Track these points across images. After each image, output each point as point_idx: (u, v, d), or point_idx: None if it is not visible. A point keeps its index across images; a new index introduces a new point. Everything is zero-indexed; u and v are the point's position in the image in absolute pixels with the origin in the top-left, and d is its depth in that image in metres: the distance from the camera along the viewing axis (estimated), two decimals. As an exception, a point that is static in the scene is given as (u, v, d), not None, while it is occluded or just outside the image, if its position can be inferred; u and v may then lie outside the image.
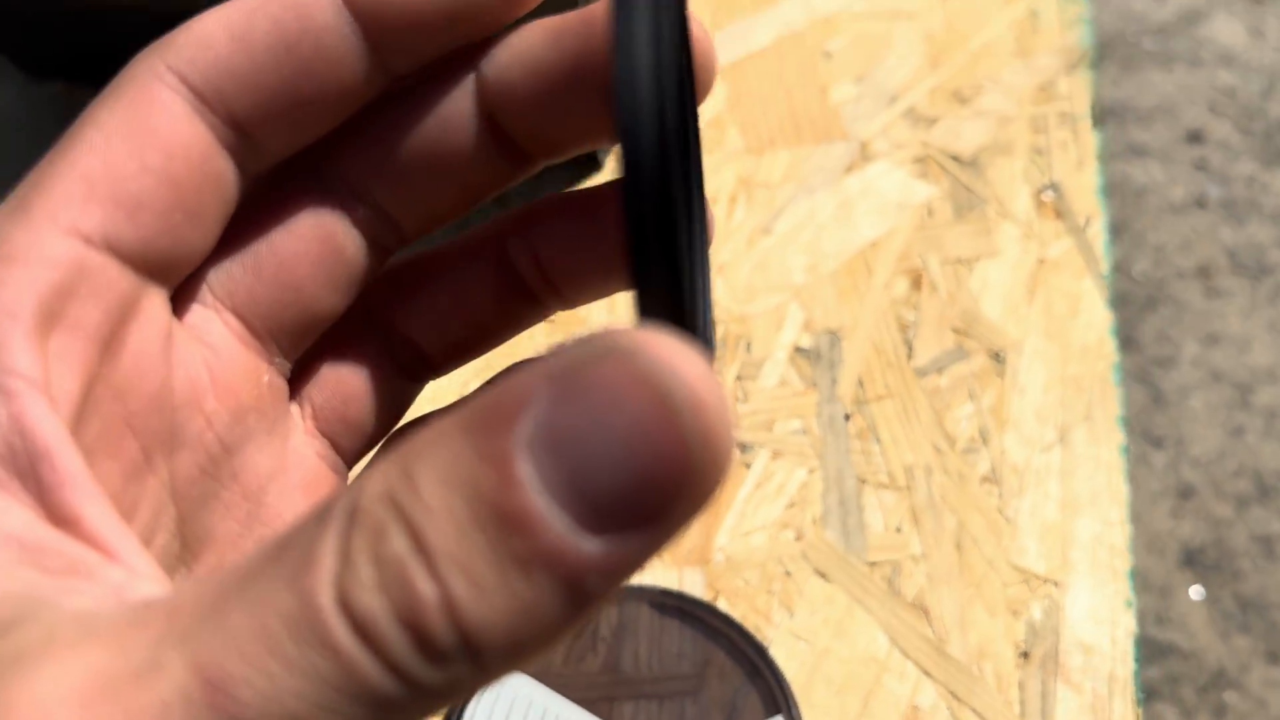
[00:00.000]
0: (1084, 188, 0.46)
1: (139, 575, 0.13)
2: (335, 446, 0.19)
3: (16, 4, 0.48)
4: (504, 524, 0.10)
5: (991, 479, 0.38)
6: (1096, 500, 0.37)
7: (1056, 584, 0.36)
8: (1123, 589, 0.36)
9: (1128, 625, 0.35)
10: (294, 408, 0.19)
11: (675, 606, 0.35)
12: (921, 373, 0.41)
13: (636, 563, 0.11)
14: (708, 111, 0.49)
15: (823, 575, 0.36)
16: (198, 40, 0.15)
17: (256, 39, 0.15)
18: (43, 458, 0.13)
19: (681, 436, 0.10)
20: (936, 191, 0.46)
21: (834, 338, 0.41)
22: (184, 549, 0.17)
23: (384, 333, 0.19)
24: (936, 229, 0.45)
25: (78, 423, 0.14)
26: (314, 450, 0.19)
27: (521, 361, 0.14)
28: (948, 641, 0.35)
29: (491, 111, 0.17)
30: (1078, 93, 0.49)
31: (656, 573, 0.36)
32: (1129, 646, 0.35)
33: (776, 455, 0.39)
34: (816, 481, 0.38)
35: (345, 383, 0.19)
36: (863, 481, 0.38)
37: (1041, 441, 0.39)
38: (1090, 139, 0.47)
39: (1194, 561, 1.20)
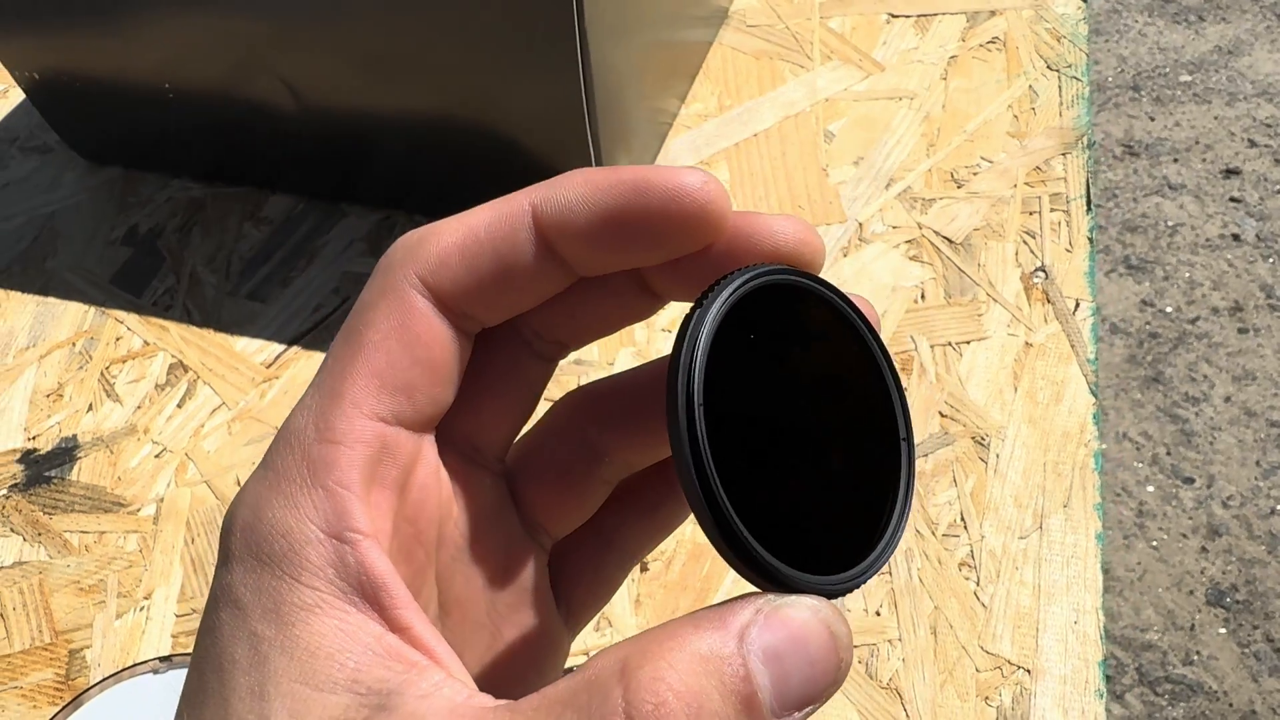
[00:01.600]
0: (1074, 271, 0.47)
1: (453, 674, 0.19)
2: (548, 534, 0.25)
3: (79, 97, 0.52)
4: (741, 702, 0.16)
5: (969, 564, 0.40)
6: (1070, 588, 0.39)
7: (1028, 671, 0.37)
8: (1094, 678, 0.37)
9: (1097, 714, 0.37)
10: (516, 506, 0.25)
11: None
12: (907, 456, 0.42)
13: None
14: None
15: (802, 658, 0.38)
16: (438, 259, 0.21)
17: (482, 261, 0.21)
18: (381, 588, 0.19)
19: (839, 658, 0.17)
20: (929, 274, 0.47)
21: (824, 421, 0.43)
22: (441, 610, 0.23)
23: (590, 452, 0.25)
24: (927, 312, 0.46)
25: (390, 548, 0.20)
26: (531, 535, 0.25)
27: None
28: (921, 725, 0.36)
29: (645, 283, 0.23)
30: (1073, 174, 0.50)
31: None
32: (1097, 733, 0.36)
33: (764, 537, 0.40)
34: (801, 564, 0.40)
35: (557, 490, 0.25)
36: (846, 565, 0.40)
37: (1020, 528, 0.40)
38: (1083, 221, 0.49)
39: (1222, 601, 1.20)
